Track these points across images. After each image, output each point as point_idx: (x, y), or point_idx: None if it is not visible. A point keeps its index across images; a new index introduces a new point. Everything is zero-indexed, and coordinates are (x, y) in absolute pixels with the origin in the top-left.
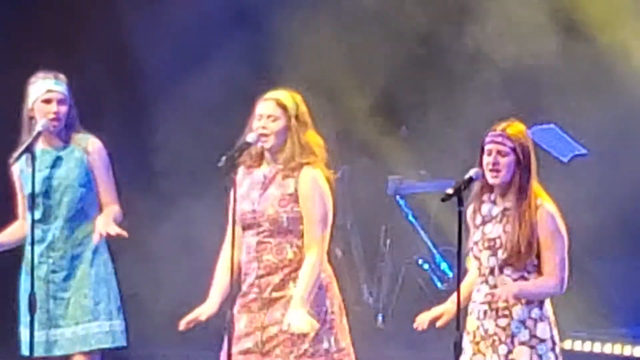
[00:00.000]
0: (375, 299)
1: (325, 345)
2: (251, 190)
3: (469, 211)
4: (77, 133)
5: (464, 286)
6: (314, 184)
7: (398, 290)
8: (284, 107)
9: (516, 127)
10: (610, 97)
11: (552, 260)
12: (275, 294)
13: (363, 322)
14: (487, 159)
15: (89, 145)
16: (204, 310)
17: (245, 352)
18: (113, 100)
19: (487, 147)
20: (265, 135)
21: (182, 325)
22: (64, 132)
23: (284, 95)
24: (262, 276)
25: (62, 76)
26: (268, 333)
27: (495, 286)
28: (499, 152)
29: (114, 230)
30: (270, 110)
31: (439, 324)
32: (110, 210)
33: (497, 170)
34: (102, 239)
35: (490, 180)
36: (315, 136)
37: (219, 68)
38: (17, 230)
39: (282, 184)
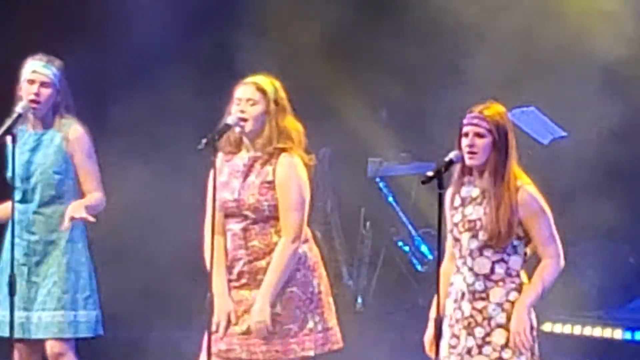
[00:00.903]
0: (354, 281)
1: (310, 324)
2: (232, 179)
3: (448, 193)
4: (61, 118)
5: (444, 274)
6: (291, 171)
7: (378, 272)
8: (263, 92)
9: (494, 109)
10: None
11: (543, 237)
12: (263, 277)
13: (342, 304)
14: (464, 141)
15: (70, 133)
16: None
17: (231, 334)
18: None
19: (464, 129)
20: (244, 119)
21: (221, 333)
22: (48, 117)
23: (263, 79)
24: (250, 262)
25: (57, 61)
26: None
27: (472, 269)
28: (476, 134)
29: (80, 214)
30: (250, 94)
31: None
32: (89, 197)
33: (474, 152)
34: (81, 229)
35: (468, 162)
36: (294, 122)
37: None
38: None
39: (261, 172)
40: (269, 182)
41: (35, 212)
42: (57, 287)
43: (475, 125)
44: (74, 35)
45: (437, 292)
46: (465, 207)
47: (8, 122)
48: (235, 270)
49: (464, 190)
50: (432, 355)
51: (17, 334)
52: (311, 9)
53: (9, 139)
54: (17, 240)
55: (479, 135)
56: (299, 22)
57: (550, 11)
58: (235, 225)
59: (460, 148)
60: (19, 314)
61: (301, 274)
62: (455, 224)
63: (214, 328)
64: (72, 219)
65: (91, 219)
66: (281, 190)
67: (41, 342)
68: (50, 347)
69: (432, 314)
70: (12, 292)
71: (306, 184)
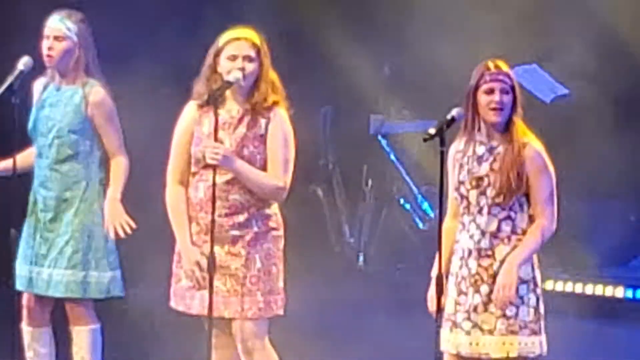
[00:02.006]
0: (356, 238)
1: (281, 284)
2: (220, 129)
3: (451, 151)
4: (86, 76)
5: (447, 232)
6: (283, 125)
7: (379, 230)
8: (257, 47)
9: (506, 65)
10: None
11: (541, 197)
12: (238, 233)
13: (344, 262)
14: (488, 98)
15: (91, 95)
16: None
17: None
18: None
19: (487, 86)
20: (244, 76)
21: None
22: (69, 72)
23: (252, 34)
24: (226, 215)
25: (75, 15)
26: (233, 271)
27: (479, 226)
28: (502, 90)
29: (120, 220)
30: (246, 50)
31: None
32: (115, 173)
33: (501, 109)
34: (97, 189)
35: (493, 119)
36: (274, 74)
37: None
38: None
39: (253, 124)
40: (261, 135)
41: (51, 169)
42: (69, 246)
43: (501, 81)
44: None
45: (439, 249)
46: (471, 164)
47: (10, 79)
48: (203, 222)
49: (469, 148)
50: (434, 311)
51: (27, 288)
52: None
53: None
54: (35, 194)
55: (504, 91)
56: None
57: None
58: (217, 177)
59: (473, 105)
60: (30, 268)
61: (275, 231)
62: (462, 182)
63: (190, 282)
64: (114, 226)
65: (132, 225)
66: (272, 143)
67: (51, 299)
68: (69, 308)
69: (434, 271)
70: (13, 250)
71: (292, 139)
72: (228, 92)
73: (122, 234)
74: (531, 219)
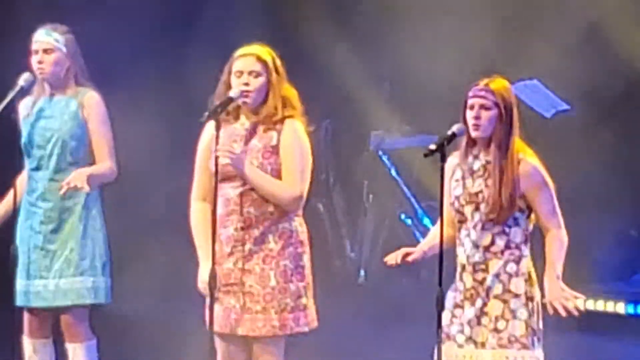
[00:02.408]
0: (357, 254)
1: (304, 300)
2: (231, 143)
3: (449, 165)
4: (77, 84)
5: (438, 233)
6: (295, 136)
7: (380, 245)
8: (264, 62)
9: (499, 82)
10: None
11: (545, 209)
12: (254, 247)
13: (345, 277)
14: (469, 113)
15: (86, 100)
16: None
17: (226, 308)
18: None
19: (470, 102)
20: (249, 91)
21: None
22: (61, 82)
23: (261, 50)
24: (242, 229)
25: (61, 27)
26: (248, 289)
27: (473, 241)
28: (481, 106)
29: (79, 183)
30: (251, 66)
31: (409, 258)
32: (98, 166)
33: (479, 125)
34: (95, 195)
35: (472, 134)
36: (291, 88)
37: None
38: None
39: (264, 136)
40: (273, 147)
41: (50, 179)
42: (75, 254)
43: (482, 97)
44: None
45: (440, 264)
46: (466, 180)
47: (11, 95)
48: (223, 237)
49: (466, 163)
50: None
51: (34, 303)
52: None
53: (31, 103)
54: (32, 208)
55: (484, 107)
56: None
57: None
58: (231, 190)
59: (464, 121)
60: (35, 283)
61: (293, 247)
62: (457, 197)
63: (205, 293)
64: (68, 185)
65: (86, 188)
66: (285, 154)
67: (50, 312)
68: (65, 324)
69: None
70: (14, 263)
71: (309, 151)
72: (242, 106)
73: (65, 189)
74: (525, 234)
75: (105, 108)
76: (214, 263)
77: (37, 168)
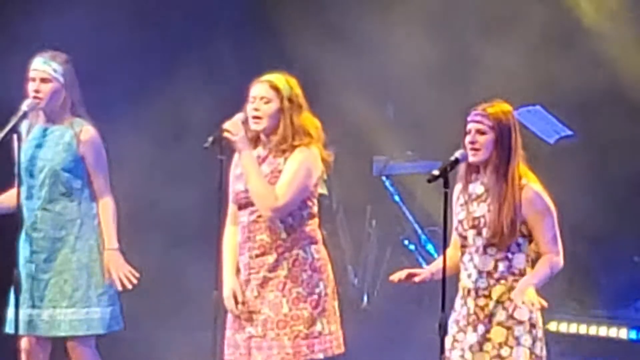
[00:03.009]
0: (360, 279)
1: (318, 327)
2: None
3: (455, 190)
4: (73, 116)
5: (448, 257)
6: (302, 157)
7: (383, 270)
8: (276, 89)
9: (498, 107)
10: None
11: (546, 236)
12: (268, 274)
13: (348, 303)
14: (467, 138)
15: (82, 133)
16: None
17: (242, 335)
18: None
19: (467, 127)
20: (259, 117)
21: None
22: (56, 112)
23: (278, 77)
24: (257, 256)
25: (60, 57)
26: (262, 315)
27: (476, 266)
28: (477, 131)
29: (125, 272)
30: (263, 92)
31: (417, 279)
32: (107, 215)
33: (476, 149)
34: (92, 225)
35: (470, 159)
36: (311, 118)
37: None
38: (12, 196)
39: (273, 161)
40: (280, 171)
41: (42, 209)
42: (68, 285)
43: (478, 122)
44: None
45: (443, 290)
46: (470, 205)
47: (13, 120)
48: (241, 264)
49: (470, 188)
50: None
51: (25, 332)
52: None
53: (25, 130)
54: (25, 237)
55: (480, 132)
56: (306, 19)
57: None
58: (245, 217)
59: (465, 146)
60: (27, 311)
61: (307, 274)
62: (460, 221)
63: (227, 305)
64: (119, 277)
65: (136, 274)
66: (285, 168)
67: (49, 339)
68: (70, 346)
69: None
70: (16, 290)
71: (310, 174)
72: (261, 135)
73: (128, 285)
74: (529, 259)
75: (101, 141)
76: (220, 290)
77: (29, 197)
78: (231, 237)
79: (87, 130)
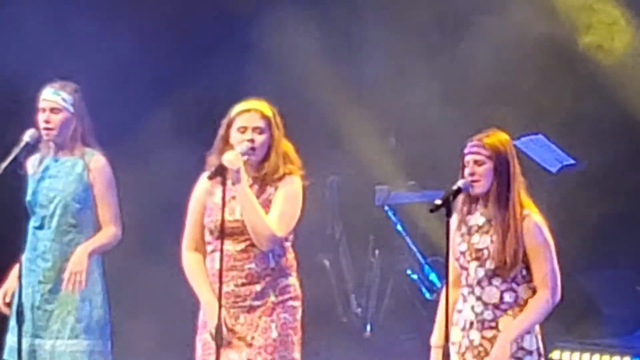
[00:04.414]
0: (363, 309)
1: (296, 355)
2: (230, 199)
3: (454, 221)
4: (85, 146)
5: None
6: (292, 187)
7: (386, 300)
8: (268, 119)
9: (495, 136)
10: None
11: (542, 270)
12: (255, 302)
13: (351, 333)
14: (466, 170)
15: (92, 162)
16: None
17: None
18: None
19: (465, 159)
20: (254, 148)
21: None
22: (67, 143)
23: (263, 105)
24: (243, 285)
25: (70, 86)
26: (250, 341)
27: (480, 298)
28: (475, 162)
29: (79, 269)
30: (256, 122)
31: None
32: (100, 236)
33: (476, 180)
34: (96, 257)
35: (472, 190)
36: (288, 144)
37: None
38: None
39: (263, 190)
40: (270, 201)
41: (52, 239)
42: (72, 316)
43: (475, 153)
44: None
45: (446, 319)
46: (472, 236)
47: (15, 151)
48: (223, 292)
49: (471, 219)
50: None
51: None
52: (319, 36)
53: (36, 162)
54: (32, 266)
55: (478, 162)
56: (306, 48)
57: None
58: (230, 247)
59: (463, 177)
60: (30, 341)
61: (291, 301)
62: (462, 253)
63: (211, 336)
64: (71, 275)
65: (83, 285)
66: (276, 198)
67: None
68: None
69: (434, 341)
70: (19, 320)
71: (299, 203)
72: (244, 163)
73: (69, 288)
74: (533, 290)
75: (111, 170)
76: (219, 319)
77: (40, 227)
78: (198, 264)
79: (98, 160)
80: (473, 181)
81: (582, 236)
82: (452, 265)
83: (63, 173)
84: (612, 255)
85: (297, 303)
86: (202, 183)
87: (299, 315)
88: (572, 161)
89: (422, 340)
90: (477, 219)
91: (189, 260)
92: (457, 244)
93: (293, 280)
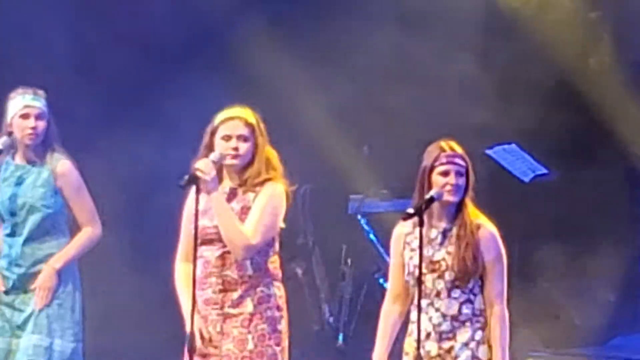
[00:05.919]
0: (336, 318)
1: None
2: (210, 206)
3: (399, 235)
4: (52, 152)
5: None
6: (272, 194)
7: (359, 309)
8: (251, 127)
9: (459, 146)
10: None
11: (498, 286)
12: (231, 310)
13: (324, 342)
14: (444, 180)
15: (58, 167)
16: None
17: None
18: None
19: (443, 168)
20: (238, 155)
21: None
22: (40, 149)
23: (247, 112)
24: (220, 291)
25: (41, 92)
26: (225, 352)
27: (439, 309)
28: (457, 173)
29: (42, 292)
30: (240, 130)
31: None
32: (75, 241)
33: (455, 191)
34: (73, 267)
35: (450, 199)
36: (272, 150)
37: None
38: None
39: (243, 198)
40: (250, 208)
41: (23, 246)
42: (42, 313)
43: (456, 164)
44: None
45: (418, 327)
46: (425, 248)
47: None
48: (200, 299)
49: (422, 232)
50: None
51: None
52: (294, 42)
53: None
54: (5, 272)
55: (459, 173)
56: (278, 55)
57: None
58: (209, 253)
59: (429, 185)
60: (12, 341)
61: (271, 312)
62: (417, 266)
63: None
64: (39, 291)
65: (47, 301)
66: (255, 205)
67: None
68: None
69: (376, 357)
70: None
71: (280, 211)
72: (226, 169)
73: (38, 304)
74: (488, 302)
75: (78, 173)
76: (192, 326)
77: (11, 234)
78: (184, 274)
79: (64, 164)
80: (451, 191)
81: (554, 246)
82: (398, 279)
83: (30, 179)
84: (586, 265)
85: (279, 314)
86: (191, 192)
87: (280, 326)
88: (544, 170)
89: (395, 349)
90: (428, 231)
91: (178, 271)
92: (408, 258)
93: (275, 290)
